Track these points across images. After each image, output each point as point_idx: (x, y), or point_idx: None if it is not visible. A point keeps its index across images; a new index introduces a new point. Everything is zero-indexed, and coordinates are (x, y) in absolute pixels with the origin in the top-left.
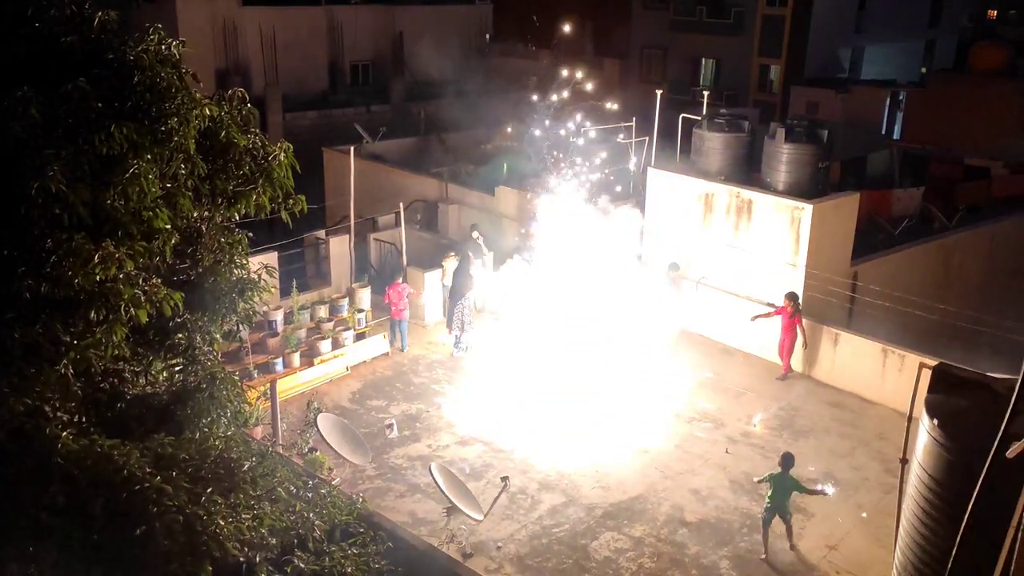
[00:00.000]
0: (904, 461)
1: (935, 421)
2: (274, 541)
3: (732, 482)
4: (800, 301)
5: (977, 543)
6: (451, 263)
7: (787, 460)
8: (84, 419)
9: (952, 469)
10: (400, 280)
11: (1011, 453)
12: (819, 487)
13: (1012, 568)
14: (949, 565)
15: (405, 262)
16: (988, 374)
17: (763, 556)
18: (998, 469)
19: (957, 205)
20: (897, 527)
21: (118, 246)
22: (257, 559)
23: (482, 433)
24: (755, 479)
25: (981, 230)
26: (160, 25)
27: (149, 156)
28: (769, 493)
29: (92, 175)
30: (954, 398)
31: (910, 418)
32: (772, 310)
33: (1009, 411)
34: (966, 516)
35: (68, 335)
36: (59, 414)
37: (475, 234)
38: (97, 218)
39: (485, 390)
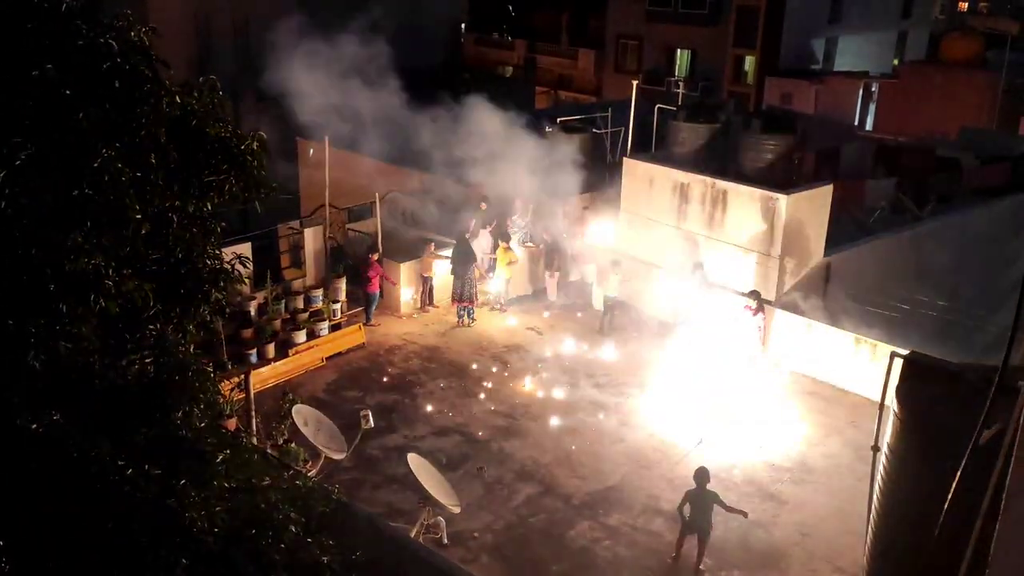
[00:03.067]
0: (876, 449)
1: (906, 409)
2: (250, 533)
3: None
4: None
5: (952, 530)
6: (436, 259)
7: (702, 476)
8: (54, 411)
9: (923, 457)
10: (373, 257)
11: (982, 440)
12: (738, 509)
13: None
14: (931, 547)
15: (380, 251)
16: (959, 363)
17: (673, 556)
18: (971, 457)
19: (929, 196)
20: (869, 514)
21: (87, 236)
22: (231, 551)
23: (459, 423)
24: (684, 514)
25: (952, 220)
26: (130, 12)
27: (118, 145)
28: (688, 511)
29: (60, 164)
30: (925, 387)
31: (882, 406)
32: (749, 310)
33: (989, 400)
34: (948, 499)
35: (36, 327)
36: (29, 406)
37: (483, 205)
38: (65, 207)
39: (463, 379)
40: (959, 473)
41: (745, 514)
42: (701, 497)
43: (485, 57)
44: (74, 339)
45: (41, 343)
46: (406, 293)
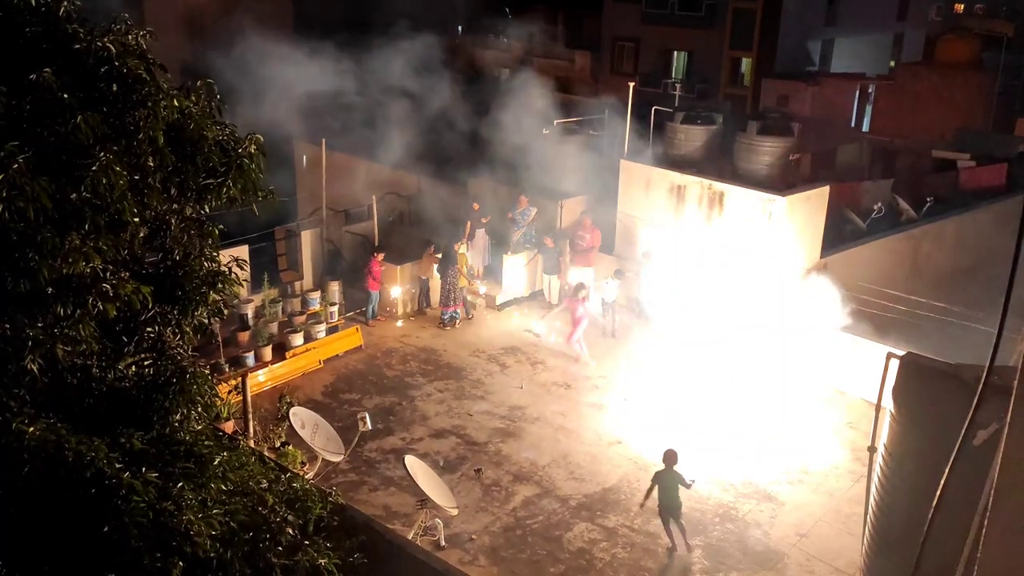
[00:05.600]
0: (872, 450)
1: (902, 410)
2: (246, 536)
3: (704, 473)
4: (586, 291)
5: (945, 531)
6: (435, 262)
7: (671, 456)
8: (52, 414)
9: (919, 458)
10: (378, 257)
11: (978, 441)
12: (689, 480)
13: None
14: (918, 552)
15: (382, 252)
16: (955, 363)
17: (670, 546)
18: (965, 457)
19: (924, 197)
20: (866, 515)
21: (85, 239)
22: (229, 554)
23: (456, 426)
24: (641, 504)
25: (948, 221)
26: (127, 15)
27: (116, 148)
28: (656, 493)
29: (58, 167)
30: (922, 387)
31: (878, 407)
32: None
33: (976, 399)
34: (934, 504)
35: (35, 330)
36: (26, 409)
37: (475, 206)
38: (63, 211)
39: (461, 382)
40: (946, 472)
41: (688, 485)
42: (669, 477)
43: (481, 59)
44: (72, 342)
45: (39, 346)
46: (394, 292)
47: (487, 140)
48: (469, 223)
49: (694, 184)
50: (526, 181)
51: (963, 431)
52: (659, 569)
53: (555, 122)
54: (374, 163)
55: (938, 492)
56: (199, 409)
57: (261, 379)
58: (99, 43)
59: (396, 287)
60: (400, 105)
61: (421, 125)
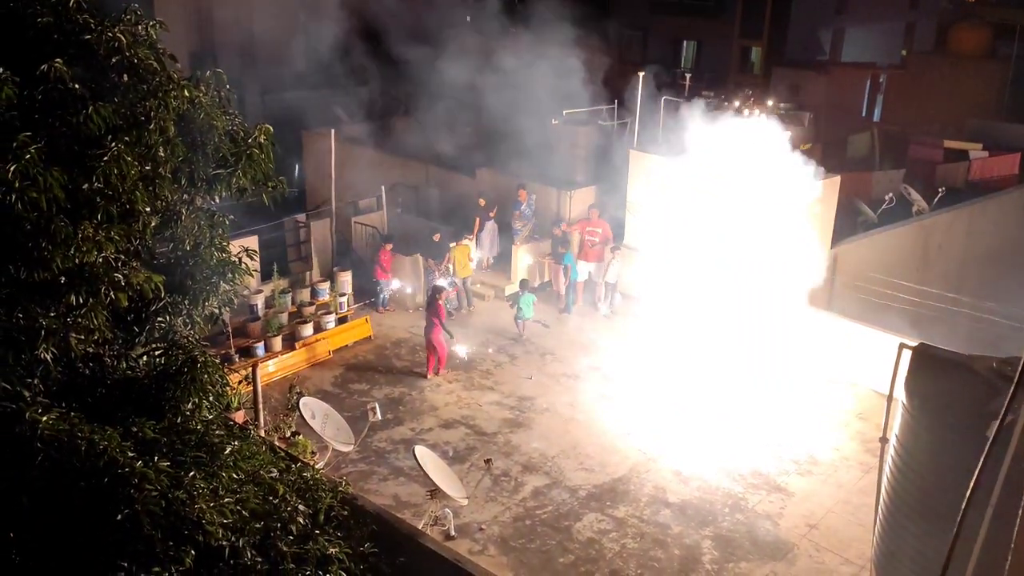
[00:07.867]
0: (884, 441)
1: (915, 401)
2: (257, 525)
3: (713, 463)
4: (440, 296)
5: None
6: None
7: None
8: (65, 404)
9: (931, 449)
10: (387, 247)
11: (990, 431)
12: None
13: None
14: (951, 545)
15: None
16: (968, 354)
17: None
18: (978, 449)
19: (936, 187)
20: (877, 506)
21: (97, 229)
22: (240, 543)
23: (465, 416)
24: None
25: (960, 211)
26: (136, 5)
27: (127, 138)
28: (514, 307)
29: (70, 158)
30: (934, 378)
31: (890, 398)
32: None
33: (1011, 392)
34: (966, 499)
35: (48, 319)
36: (40, 399)
37: (481, 201)
38: (75, 201)
39: (470, 372)
40: (980, 464)
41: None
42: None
43: (489, 49)
44: (85, 331)
45: (52, 335)
46: (396, 284)
47: (494, 131)
48: (477, 219)
49: (704, 173)
50: (533, 172)
51: (998, 422)
52: (668, 559)
53: (563, 112)
54: (383, 153)
55: (971, 485)
56: (210, 398)
57: (271, 369)
58: (109, 33)
59: (395, 280)
60: (404, 97)
61: (427, 115)
